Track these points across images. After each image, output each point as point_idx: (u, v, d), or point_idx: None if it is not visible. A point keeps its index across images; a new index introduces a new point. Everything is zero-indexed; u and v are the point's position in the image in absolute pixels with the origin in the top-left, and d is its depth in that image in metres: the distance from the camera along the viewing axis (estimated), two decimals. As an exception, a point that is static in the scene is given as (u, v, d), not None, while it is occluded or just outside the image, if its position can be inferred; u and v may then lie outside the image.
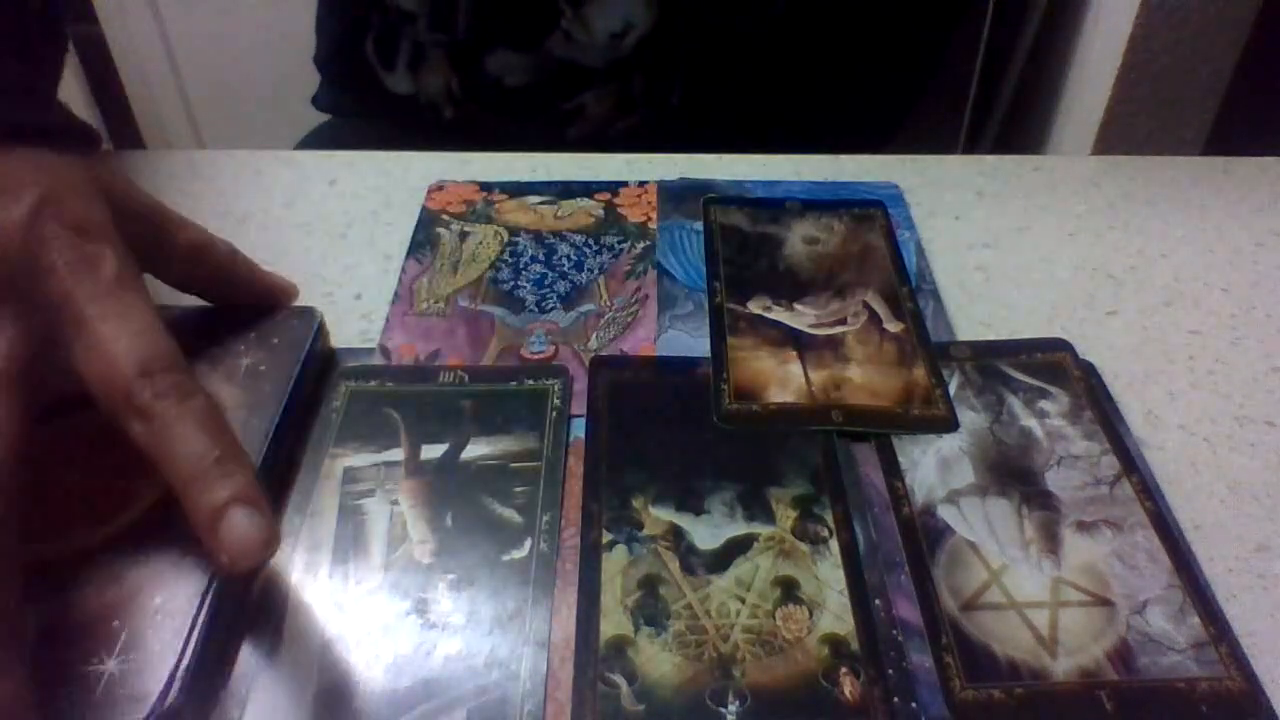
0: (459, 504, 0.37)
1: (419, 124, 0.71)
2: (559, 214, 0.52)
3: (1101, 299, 0.48)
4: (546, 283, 0.48)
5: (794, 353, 0.43)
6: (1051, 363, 0.43)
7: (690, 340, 0.44)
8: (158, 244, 0.38)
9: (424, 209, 0.52)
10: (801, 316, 0.45)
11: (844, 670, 0.32)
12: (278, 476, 0.38)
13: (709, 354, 0.43)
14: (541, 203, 0.53)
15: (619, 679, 0.32)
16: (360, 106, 0.76)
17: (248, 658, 0.32)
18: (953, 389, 0.42)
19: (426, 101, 0.71)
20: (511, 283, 0.48)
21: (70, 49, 0.44)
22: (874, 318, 0.45)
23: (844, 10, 0.69)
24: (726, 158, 0.57)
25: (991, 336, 0.45)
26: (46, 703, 0.30)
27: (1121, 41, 0.62)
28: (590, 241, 0.50)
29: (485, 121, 0.70)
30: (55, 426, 0.37)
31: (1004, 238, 0.52)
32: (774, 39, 0.67)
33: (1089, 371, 0.43)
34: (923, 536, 0.36)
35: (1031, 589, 0.35)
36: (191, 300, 0.46)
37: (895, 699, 0.32)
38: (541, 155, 0.57)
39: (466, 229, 0.51)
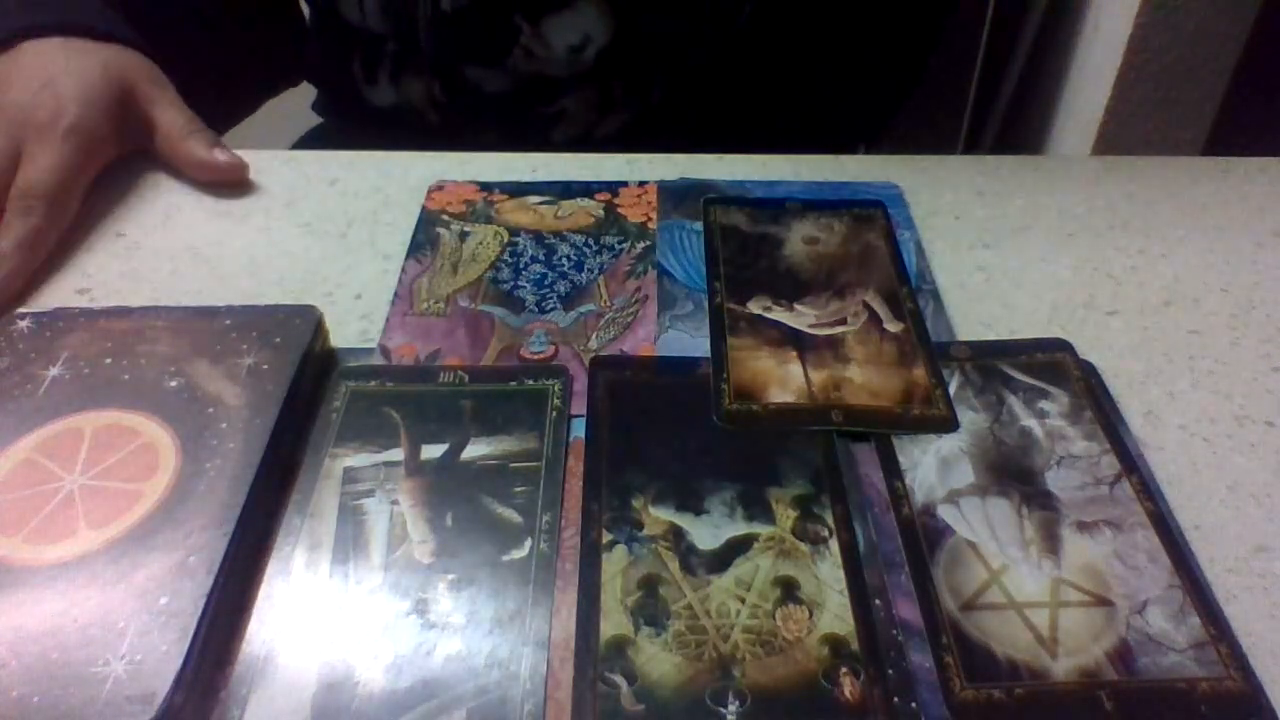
0: (459, 504, 0.37)
1: (407, 133, 0.72)
2: (559, 214, 0.52)
3: (1101, 299, 0.48)
4: (546, 283, 0.48)
5: (794, 353, 0.43)
6: (1051, 363, 0.43)
7: (690, 340, 0.44)
8: (142, 131, 0.55)
9: (424, 209, 0.52)
10: (801, 316, 0.45)
11: (844, 670, 0.32)
12: (278, 476, 0.38)
13: (709, 354, 0.43)
14: (541, 203, 0.53)
15: (619, 679, 0.32)
16: (353, 115, 0.77)
17: (248, 658, 0.32)
18: (953, 389, 0.42)
19: (411, 110, 0.71)
20: (511, 283, 0.48)
21: None
22: (874, 318, 0.45)
23: (810, 22, 0.69)
24: (727, 158, 0.57)
25: (991, 336, 0.45)
26: (54, 705, 0.30)
27: (1121, 41, 0.62)
28: (590, 241, 0.50)
29: (471, 126, 0.71)
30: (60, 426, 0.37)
31: (1004, 238, 0.52)
32: (743, 46, 0.67)
33: (1089, 371, 0.43)
34: (923, 536, 0.36)
35: (1031, 589, 0.35)
36: (194, 300, 0.46)
37: (895, 699, 0.32)
38: (542, 155, 0.57)
39: (466, 229, 0.51)
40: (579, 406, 0.41)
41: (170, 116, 0.54)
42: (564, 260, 0.49)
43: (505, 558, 0.35)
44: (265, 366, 0.40)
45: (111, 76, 0.53)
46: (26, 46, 0.53)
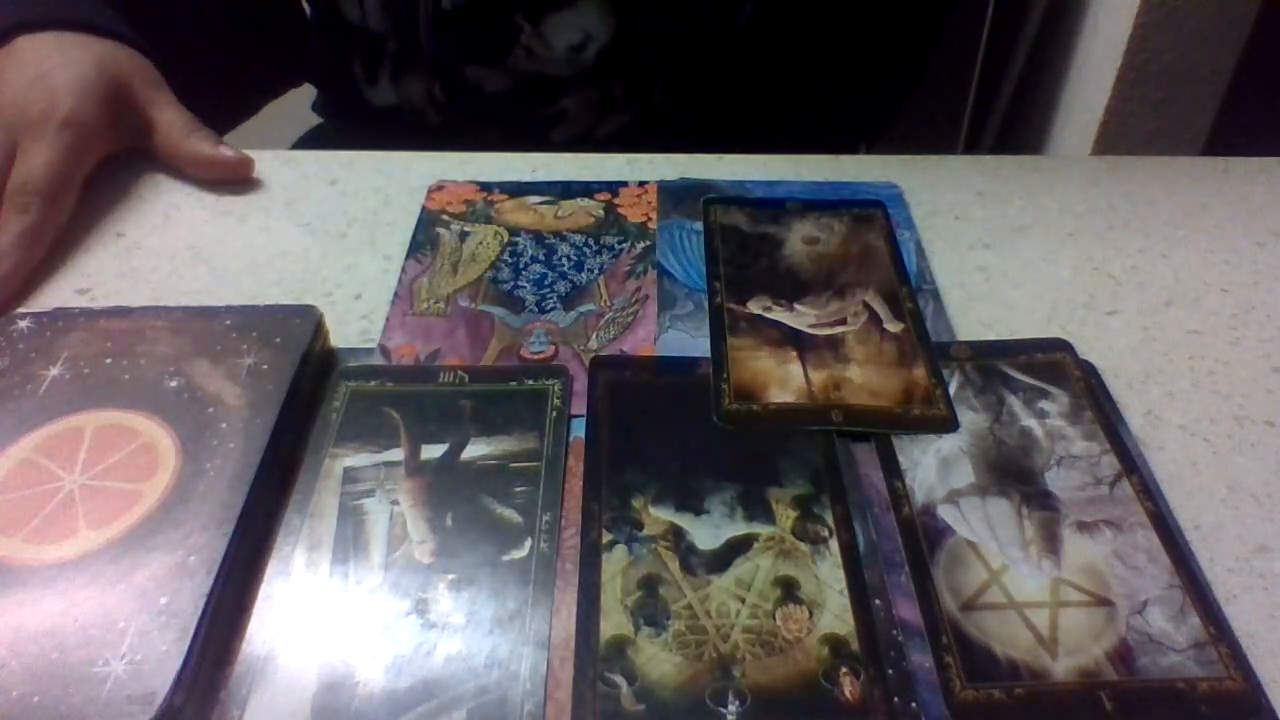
0: (459, 504, 0.37)
1: (408, 133, 0.72)
2: (559, 214, 0.52)
3: (1101, 299, 0.48)
4: (546, 283, 0.48)
5: (794, 353, 0.43)
6: (1051, 363, 0.43)
7: (690, 340, 0.45)
8: (139, 129, 0.55)
9: (424, 209, 0.52)
10: (801, 316, 0.45)
11: (844, 670, 0.32)
12: (278, 476, 0.38)
13: (709, 354, 0.43)
14: (541, 203, 0.53)
15: (619, 679, 0.32)
16: (353, 115, 0.77)
17: (248, 658, 0.32)
18: (953, 389, 0.42)
19: (411, 110, 0.71)
20: (511, 283, 0.48)
21: None
22: (874, 318, 0.45)
23: (810, 21, 0.69)
24: (727, 158, 0.57)
25: (991, 336, 0.45)
26: (54, 705, 0.30)
27: (1121, 41, 0.62)
28: (590, 241, 0.50)
29: (471, 127, 0.71)
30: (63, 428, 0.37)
31: (1004, 238, 0.52)
32: (743, 46, 0.67)
33: (1089, 371, 0.43)
34: (923, 536, 0.36)
35: (1031, 589, 0.35)
36: (194, 300, 0.46)
37: (895, 699, 0.32)
38: (542, 155, 0.57)
39: (466, 229, 0.51)
40: (579, 406, 0.41)
41: (170, 115, 0.54)
42: (564, 260, 0.49)
43: (505, 558, 0.35)
44: (265, 366, 0.40)
45: (106, 70, 0.52)
46: (21, 42, 0.53)
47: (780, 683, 0.32)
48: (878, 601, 0.34)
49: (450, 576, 0.34)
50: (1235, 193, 0.55)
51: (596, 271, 0.48)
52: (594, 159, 0.57)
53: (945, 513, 0.37)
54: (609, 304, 0.47)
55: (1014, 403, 0.41)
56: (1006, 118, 0.85)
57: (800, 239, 0.50)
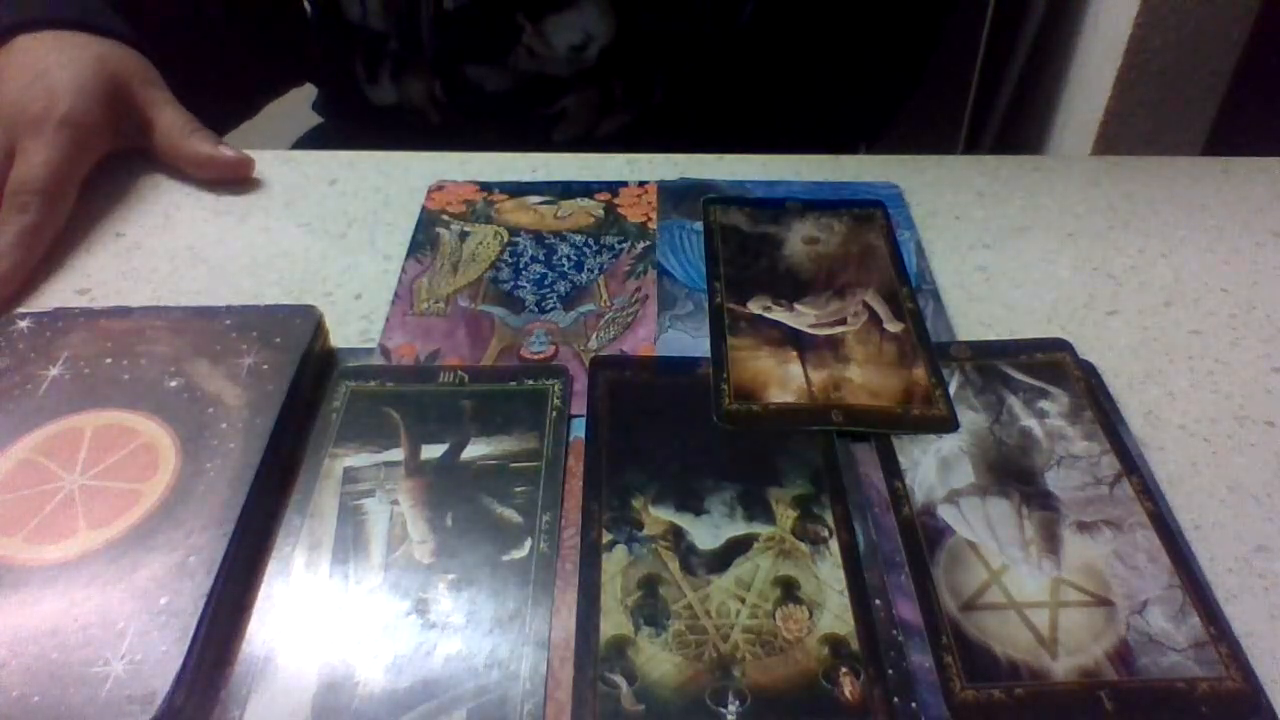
0: (459, 504, 0.37)
1: (409, 132, 0.72)
2: (559, 214, 0.52)
3: (1101, 299, 0.48)
4: (546, 283, 0.48)
5: (794, 353, 0.43)
6: (1051, 363, 0.43)
7: (690, 340, 0.45)
8: (138, 129, 0.55)
9: (424, 209, 0.52)
10: (801, 316, 0.45)
11: (844, 670, 0.32)
12: (278, 476, 0.38)
13: (709, 354, 0.43)
14: (541, 203, 0.53)
15: (619, 679, 0.32)
16: (354, 114, 0.77)
17: (248, 658, 0.32)
18: (953, 389, 0.42)
19: (412, 109, 0.71)
20: (511, 283, 0.48)
21: None
22: (874, 318, 0.45)
23: (811, 22, 0.69)
24: (727, 158, 0.57)
25: (991, 336, 0.45)
26: (54, 705, 0.30)
27: (1121, 41, 0.62)
28: (590, 241, 0.50)
29: (471, 126, 0.71)
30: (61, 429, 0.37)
31: (1004, 238, 0.52)
32: (744, 46, 0.67)
33: (1089, 371, 0.43)
34: (923, 536, 0.36)
35: (1031, 589, 0.35)
36: (194, 300, 0.46)
37: (895, 699, 0.32)
38: (542, 155, 0.57)
39: (466, 229, 0.51)
40: (579, 406, 0.41)
41: (170, 115, 0.54)
42: (564, 260, 0.49)
43: (505, 558, 0.35)
44: (265, 366, 0.40)
45: (106, 69, 0.52)
46: (20, 42, 0.53)
47: (780, 683, 0.32)
48: (878, 601, 0.34)
49: (450, 576, 0.34)
50: (1235, 193, 0.55)
51: (596, 271, 0.48)
52: (594, 159, 0.57)
53: (945, 513, 0.37)
54: (609, 304, 0.47)
55: (1014, 403, 0.41)
56: (1006, 118, 0.85)
57: (800, 239, 0.50)
